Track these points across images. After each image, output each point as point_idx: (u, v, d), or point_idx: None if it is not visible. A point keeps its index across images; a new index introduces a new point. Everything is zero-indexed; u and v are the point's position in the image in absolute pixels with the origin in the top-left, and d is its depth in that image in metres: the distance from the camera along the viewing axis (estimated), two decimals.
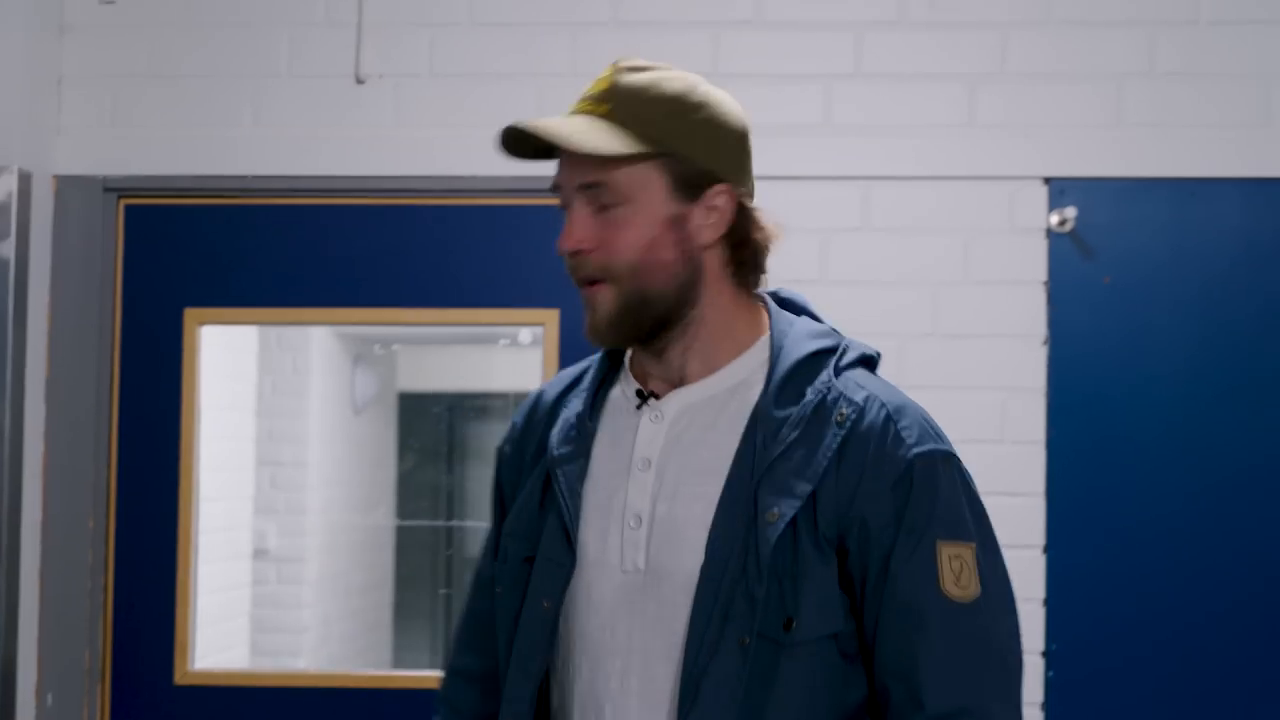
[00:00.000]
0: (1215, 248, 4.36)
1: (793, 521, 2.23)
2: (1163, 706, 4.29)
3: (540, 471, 2.42)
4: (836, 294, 4.26)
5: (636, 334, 2.34)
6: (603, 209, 2.30)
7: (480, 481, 7.87)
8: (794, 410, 2.28)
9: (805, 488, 2.24)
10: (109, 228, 4.44)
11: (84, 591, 4.37)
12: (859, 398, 2.29)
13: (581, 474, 2.38)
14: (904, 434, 2.27)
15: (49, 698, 4.33)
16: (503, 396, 7.48)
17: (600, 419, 2.41)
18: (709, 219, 2.32)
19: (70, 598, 4.36)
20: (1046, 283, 4.35)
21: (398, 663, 8.10)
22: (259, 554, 7.17)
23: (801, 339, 2.36)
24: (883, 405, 2.29)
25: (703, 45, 4.39)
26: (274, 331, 7.04)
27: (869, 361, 2.40)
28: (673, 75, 2.34)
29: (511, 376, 7.34)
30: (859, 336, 2.44)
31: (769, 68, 4.38)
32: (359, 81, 4.44)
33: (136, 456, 4.44)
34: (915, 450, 2.27)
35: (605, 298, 2.31)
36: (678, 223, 2.31)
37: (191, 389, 4.46)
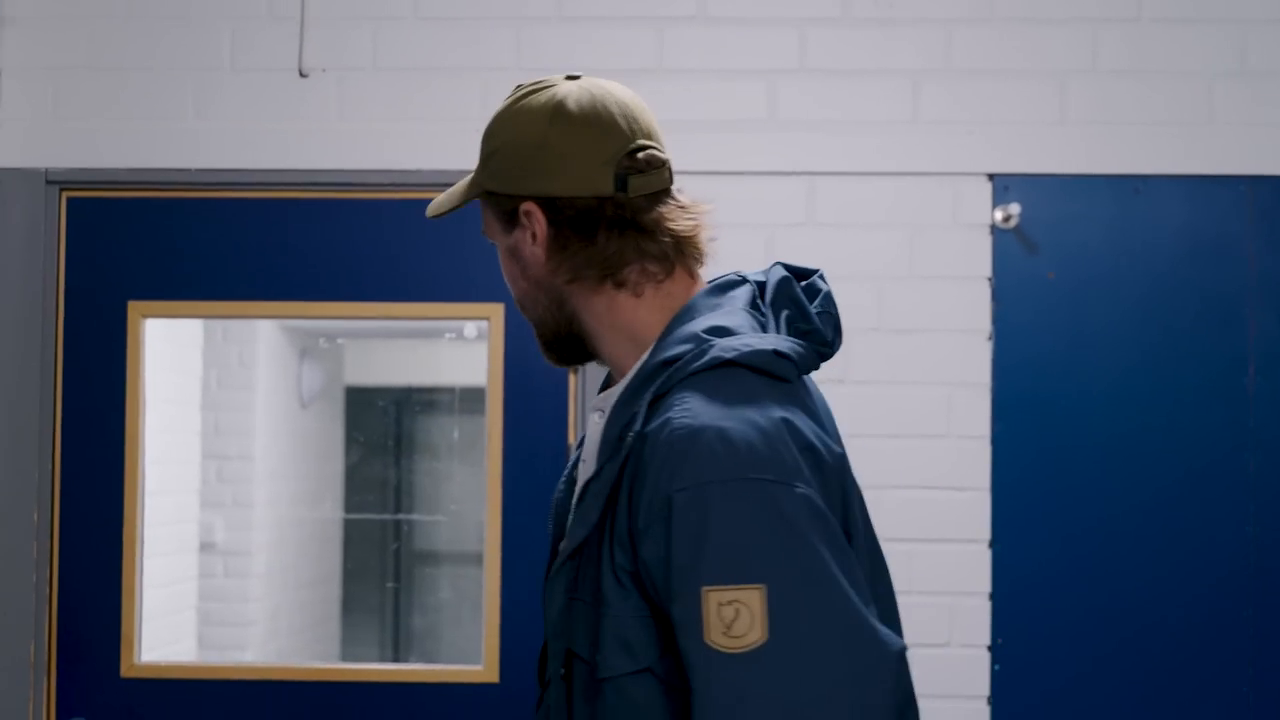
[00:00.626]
0: (1158, 244, 4.38)
1: (596, 550, 2.15)
2: (1108, 699, 4.31)
3: None
4: None
5: (557, 358, 2.37)
6: None
7: (427, 475, 7.87)
8: (614, 431, 2.19)
9: (593, 517, 2.15)
10: (51, 220, 4.42)
11: (29, 585, 4.35)
12: (655, 422, 2.11)
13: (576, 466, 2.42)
14: (679, 465, 2.05)
15: None
16: (449, 391, 7.47)
17: None
18: (531, 240, 2.28)
19: (15, 591, 4.35)
20: (991, 278, 4.36)
21: (346, 656, 8.09)
22: (205, 548, 7.15)
23: (667, 345, 2.21)
24: (673, 431, 2.07)
25: (647, 41, 4.39)
26: (219, 325, 7.02)
27: (732, 365, 2.14)
28: (503, 105, 2.33)
29: (458, 371, 7.33)
30: None
31: (713, 63, 4.38)
32: (302, 75, 4.43)
33: (80, 450, 4.42)
34: (679, 484, 2.03)
35: None
36: (514, 253, 2.31)
37: (136, 382, 4.44)
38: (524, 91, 2.30)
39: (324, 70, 4.43)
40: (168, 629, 6.56)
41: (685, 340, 2.19)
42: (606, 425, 2.21)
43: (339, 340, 7.79)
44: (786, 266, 2.35)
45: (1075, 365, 4.35)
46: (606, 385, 2.39)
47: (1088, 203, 4.37)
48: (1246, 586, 4.32)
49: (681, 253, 2.29)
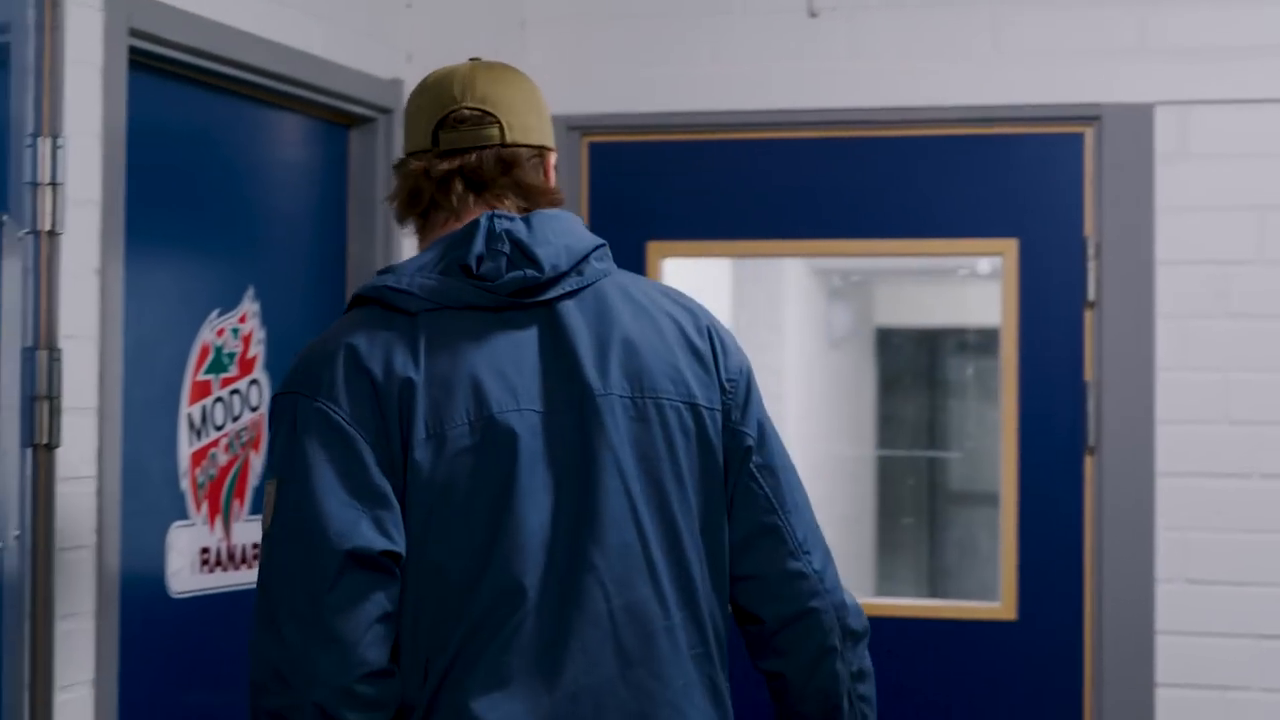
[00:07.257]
0: None
1: None
2: None
3: None
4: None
5: None
6: None
7: (955, 414, 7.84)
8: None
9: None
10: (574, 165, 4.56)
11: None
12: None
13: None
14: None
15: None
16: (981, 331, 7.41)
17: None
18: None
19: None
20: None
21: (880, 591, 8.13)
22: None
23: None
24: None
25: None
26: (748, 266, 7.12)
27: (365, 299, 2.43)
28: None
29: (976, 311, 7.27)
30: None
31: None
32: (812, 15, 4.45)
33: None
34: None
35: None
36: None
37: None
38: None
39: (834, 9, 4.45)
40: None
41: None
42: None
43: (867, 280, 7.81)
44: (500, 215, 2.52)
45: None
46: None
47: None
48: None
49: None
